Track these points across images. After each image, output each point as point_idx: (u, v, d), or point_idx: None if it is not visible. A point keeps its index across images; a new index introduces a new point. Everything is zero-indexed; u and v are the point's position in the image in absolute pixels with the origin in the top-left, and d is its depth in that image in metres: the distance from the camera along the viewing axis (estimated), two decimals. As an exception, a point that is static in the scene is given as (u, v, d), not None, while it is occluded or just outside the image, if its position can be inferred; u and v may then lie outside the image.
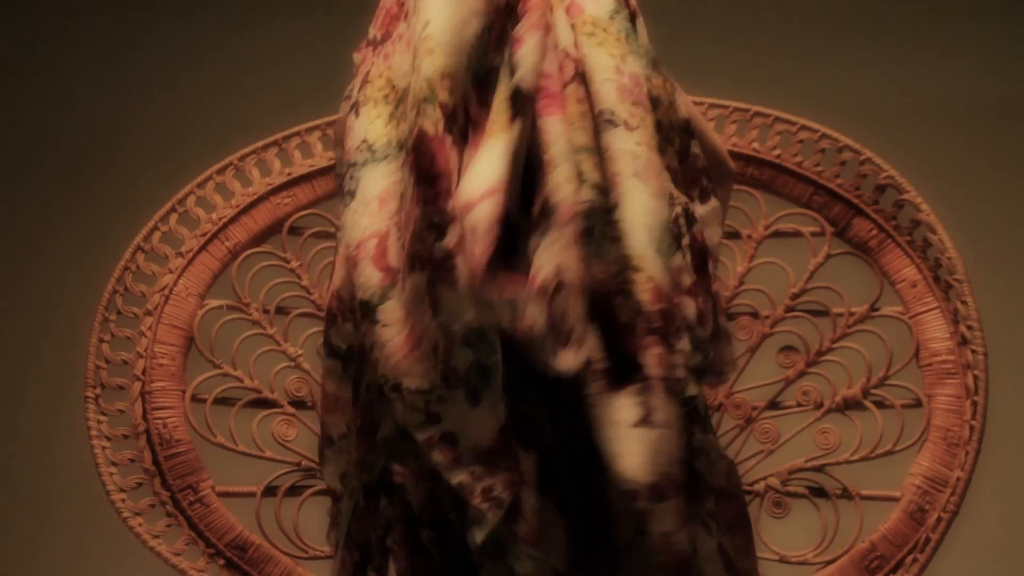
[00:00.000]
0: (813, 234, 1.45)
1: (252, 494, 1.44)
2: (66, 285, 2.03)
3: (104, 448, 1.42)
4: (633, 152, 1.12)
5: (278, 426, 1.45)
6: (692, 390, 1.13)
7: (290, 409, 1.46)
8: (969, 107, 2.03)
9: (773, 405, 1.45)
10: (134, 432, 1.43)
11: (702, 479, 1.17)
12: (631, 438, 1.07)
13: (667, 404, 1.09)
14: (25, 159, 2.22)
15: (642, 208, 1.11)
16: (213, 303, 1.47)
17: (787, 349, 1.45)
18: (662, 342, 1.09)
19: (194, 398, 1.44)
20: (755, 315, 1.46)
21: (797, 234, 1.46)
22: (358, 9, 2.17)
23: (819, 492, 1.43)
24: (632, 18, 1.21)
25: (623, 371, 1.09)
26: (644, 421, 1.08)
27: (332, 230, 1.49)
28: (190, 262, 1.47)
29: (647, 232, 1.11)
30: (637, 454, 1.07)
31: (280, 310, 1.47)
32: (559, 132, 1.11)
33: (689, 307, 1.14)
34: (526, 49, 1.12)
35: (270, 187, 1.49)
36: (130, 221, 1.48)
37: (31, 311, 2.19)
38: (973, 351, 1.39)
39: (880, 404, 1.43)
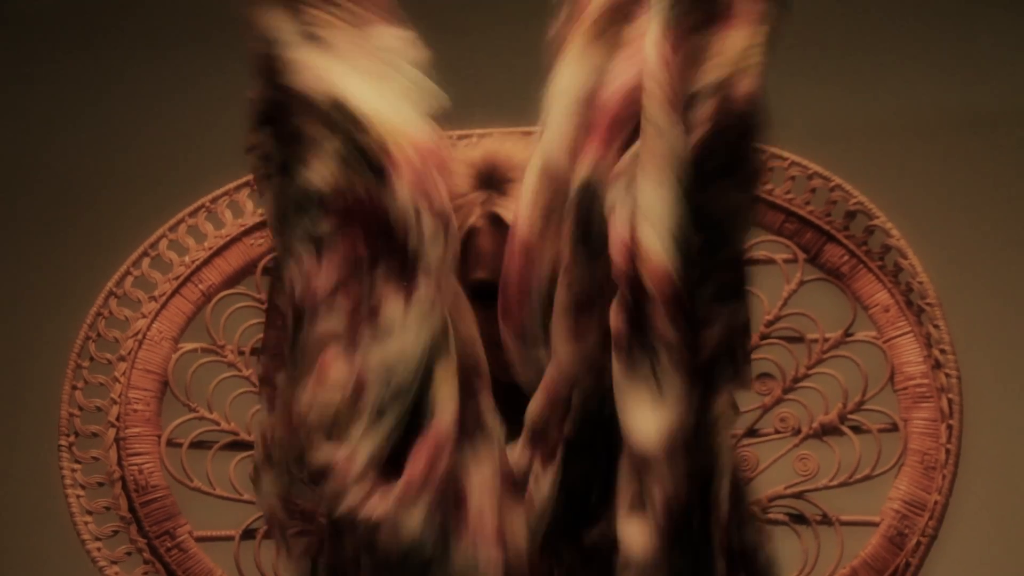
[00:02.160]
0: (786, 261, 1.46)
1: (231, 538, 1.43)
2: (38, 331, 2.01)
3: (79, 496, 1.41)
4: None
5: (255, 468, 1.44)
6: None
7: (267, 451, 1.45)
8: (936, 129, 2.05)
9: (751, 432, 1.46)
10: (109, 479, 1.42)
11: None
12: None
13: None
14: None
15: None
16: (187, 346, 1.46)
17: (763, 376, 1.45)
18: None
19: (170, 443, 1.43)
20: (730, 344, 1.47)
21: (770, 261, 1.47)
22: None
23: (799, 519, 1.43)
24: None
25: None
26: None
27: (306, 270, 1.49)
28: (163, 306, 1.46)
29: None
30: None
31: (256, 351, 1.47)
32: None
33: None
34: None
35: (243, 228, 1.48)
36: (102, 266, 1.47)
37: (2, 359, 2.17)
38: (947, 374, 1.40)
39: (857, 429, 1.43)
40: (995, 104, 2.07)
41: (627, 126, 1.14)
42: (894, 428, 1.42)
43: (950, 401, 1.39)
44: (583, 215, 1.14)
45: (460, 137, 1.50)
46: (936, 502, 1.39)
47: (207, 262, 1.47)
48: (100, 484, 1.42)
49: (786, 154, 1.46)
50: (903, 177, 1.90)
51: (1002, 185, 2.05)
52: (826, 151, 1.47)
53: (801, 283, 1.46)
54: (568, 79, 1.17)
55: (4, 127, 2.21)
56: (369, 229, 1.13)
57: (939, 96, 2.07)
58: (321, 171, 1.14)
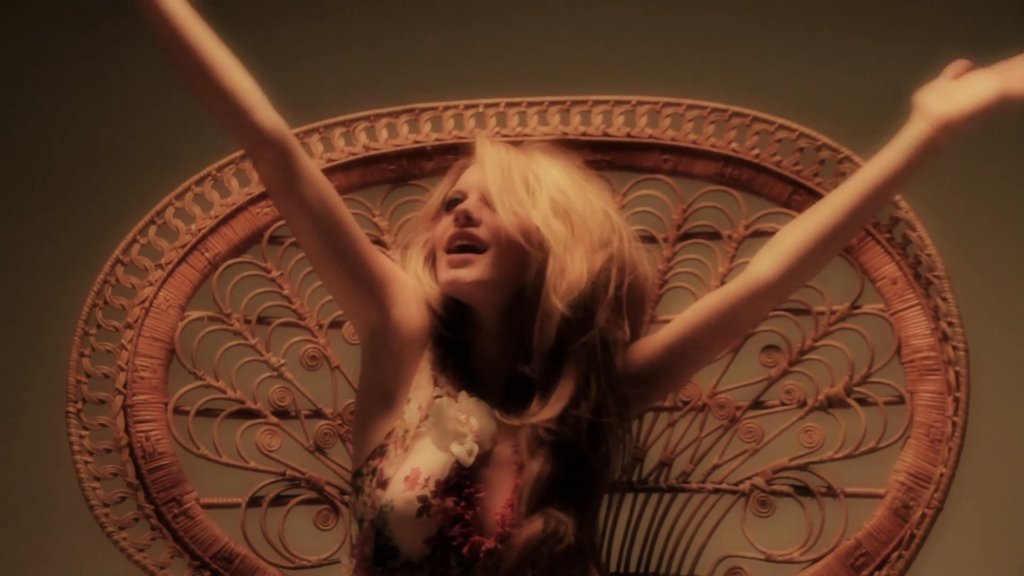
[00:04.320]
0: (793, 233, 1.46)
1: (237, 505, 1.44)
2: (46, 299, 2.02)
3: (87, 462, 1.41)
4: None
5: (262, 436, 1.45)
6: None
7: (273, 419, 1.45)
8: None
9: (757, 404, 1.46)
10: (116, 446, 1.42)
11: None
12: None
13: None
14: (0, 174, 2.21)
15: None
16: (194, 314, 1.46)
17: (770, 348, 1.45)
18: None
19: (176, 410, 1.44)
20: (737, 315, 1.46)
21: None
22: (332, 22, 2.18)
23: (804, 491, 1.43)
24: None
25: None
26: None
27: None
28: (170, 274, 1.46)
29: None
30: None
31: (262, 320, 1.47)
32: None
33: None
34: None
35: (249, 197, 1.48)
36: (109, 234, 1.47)
37: (10, 326, 2.17)
38: (954, 347, 1.39)
39: (863, 401, 1.43)
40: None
41: None
42: (900, 401, 1.42)
43: (957, 374, 1.39)
44: None
45: (467, 107, 1.49)
46: (942, 474, 1.39)
47: (213, 230, 1.47)
48: (108, 450, 1.42)
49: (794, 125, 1.46)
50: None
51: (1012, 159, 2.04)
52: (835, 124, 1.47)
53: (809, 255, 1.45)
54: None
55: (14, 99, 2.21)
56: None
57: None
58: None
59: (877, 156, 1.32)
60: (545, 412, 1.27)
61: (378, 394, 1.32)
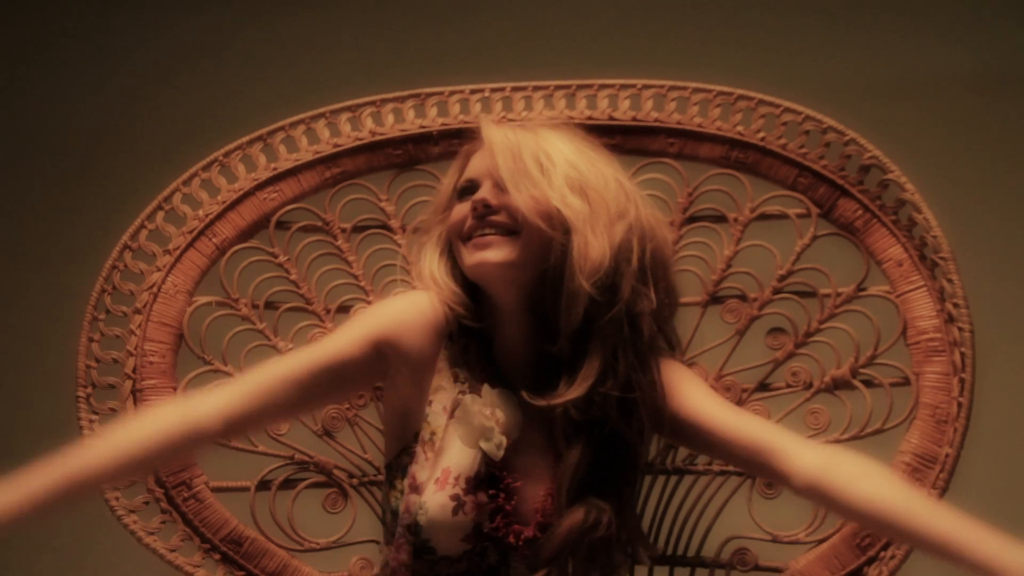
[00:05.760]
0: (799, 216, 1.46)
1: (246, 489, 1.45)
2: (54, 285, 2.02)
3: (97, 447, 1.42)
4: None
5: (270, 420, 1.45)
6: None
7: (282, 403, 1.46)
8: (951, 85, 2.04)
9: (763, 387, 1.46)
10: (127, 430, 1.43)
11: None
12: None
13: None
14: (9, 161, 2.21)
15: None
16: (202, 299, 1.47)
17: (775, 331, 1.46)
18: None
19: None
20: (743, 298, 1.47)
21: (783, 216, 1.46)
22: (337, 7, 2.18)
23: (810, 472, 1.43)
24: None
25: None
26: None
27: (319, 224, 1.50)
28: (178, 259, 1.47)
29: None
30: None
31: (269, 304, 1.48)
32: None
33: None
34: None
35: (256, 182, 1.49)
36: (117, 220, 1.48)
37: (19, 312, 2.18)
38: (960, 328, 1.39)
39: (869, 383, 1.43)
40: (1009, 61, 2.05)
41: None
42: (906, 382, 1.42)
43: (963, 355, 1.39)
44: None
45: (473, 92, 1.50)
46: (947, 455, 1.39)
47: (221, 216, 1.48)
48: (118, 435, 1.43)
49: (800, 108, 1.46)
50: (917, 132, 1.88)
51: (1018, 141, 2.04)
52: (840, 107, 1.47)
53: (814, 238, 1.45)
54: None
55: (22, 86, 2.21)
56: None
57: (954, 54, 2.05)
58: None
59: (961, 524, 1.18)
60: (573, 391, 1.27)
61: (400, 405, 1.33)
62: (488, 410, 1.28)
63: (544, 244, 1.28)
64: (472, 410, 1.27)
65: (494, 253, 1.28)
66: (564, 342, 1.27)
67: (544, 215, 1.27)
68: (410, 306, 1.32)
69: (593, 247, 1.26)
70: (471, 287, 1.32)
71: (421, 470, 1.28)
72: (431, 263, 1.34)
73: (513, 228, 1.28)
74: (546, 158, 1.29)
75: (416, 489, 1.28)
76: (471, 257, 1.29)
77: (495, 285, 1.31)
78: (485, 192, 1.30)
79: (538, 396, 1.28)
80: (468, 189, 1.32)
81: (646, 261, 1.30)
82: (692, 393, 1.32)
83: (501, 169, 1.29)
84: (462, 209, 1.31)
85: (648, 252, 1.30)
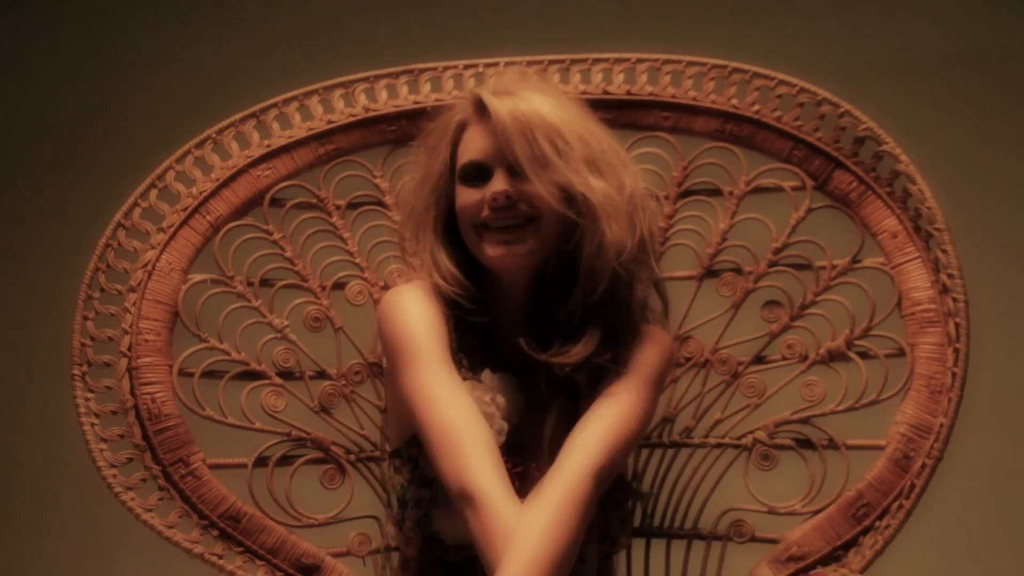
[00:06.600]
0: (794, 188, 1.46)
1: (243, 465, 1.45)
2: (49, 264, 2.02)
3: (93, 424, 1.42)
4: None
5: (267, 397, 1.45)
6: None
7: (278, 380, 1.46)
8: (945, 58, 2.03)
9: (758, 359, 1.47)
10: (122, 408, 1.43)
11: None
12: None
13: None
14: (2, 140, 2.20)
15: None
16: (197, 277, 1.46)
17: (771, 304, 1.46)
18: None
19: (181, 372, 1.44)
20: (738, 271, 1.47)
21: (778, 189, 1.46)
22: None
23: (806, 443, 1.44)
24: None
25: None
26: None
27: (313, 201, 1.49)
28: (172, 237, 1.46)
29: None
30: None
31: (264, 282, 1.47)
32: None
33: None
34: None
35: (249, 159, 1.48)
36: (110, 198, 1.47)
37: (14, 291, 2.18)
38: (954, 299, 1.40)
39: (864, 355, 1.44)
40: (1005, 36, 2.05)
41: None
42: (901, 353, 1.43)
43: (957, 325, 1.39)
44: None
45: (466, 67, 1.49)
46: (942, 425, 1.40)
47: (214, 193, 1.47)
48: (114, 412, 1.43)
49: (795, 80, 1.45)
50: (911, 105, 1.88)
51: (1012, 113, 2.04)
52: (835, 80, 1.46)
53: (809, 210, 1.46)
54: None
55: (15, 65, 2.20)
56: None
57: (949, 28, 2.05)
58: None
59: None
60: (571, 356, 1.28)
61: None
62: (488, 396, 1.28)
63: (566, 228, 1.28)
64: (473, 397, 1.27)
65: (520, 246, 1.27)
66: (576, 312, 1.28)
67: (567, 201, 1.26)
68: (426, 306, 1.30)
69: (617, 228, 1.26)
70: (474, 272, 1.32)
71: (428, 466, 1.28)
72: (436, 256, 1.32)
73: (533, 215, 1.28)
74: (558, 137, 1.26)
75: (427, 484, 1.29)
76: (495, 249, 1.28)
77: (513, 272, 1.30)
78: (503, 183, 1.27)
79: (536, 351, 1.28)
80: (475, 174, 1.29)
81: (645, 232, 1.30)
82: (611, 384, 1.29)
83: (519, 157, 1.26)
84: (472, 195, 1.29)
85: (646, 223, 1.31)
